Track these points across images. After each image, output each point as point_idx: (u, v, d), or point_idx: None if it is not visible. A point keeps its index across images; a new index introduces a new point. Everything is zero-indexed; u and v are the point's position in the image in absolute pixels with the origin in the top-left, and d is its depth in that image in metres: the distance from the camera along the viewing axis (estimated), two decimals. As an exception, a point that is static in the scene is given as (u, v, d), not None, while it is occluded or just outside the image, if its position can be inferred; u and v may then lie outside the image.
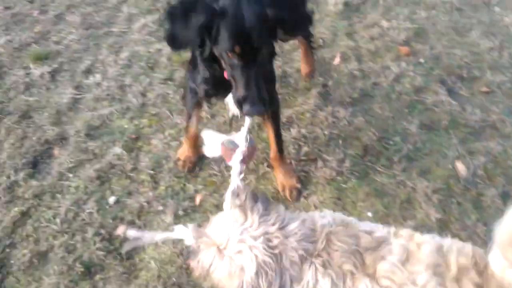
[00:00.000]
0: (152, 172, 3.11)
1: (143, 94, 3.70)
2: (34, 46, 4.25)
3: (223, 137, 2.21)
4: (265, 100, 2.10)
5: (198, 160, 3.13)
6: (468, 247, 1.66)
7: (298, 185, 2.90)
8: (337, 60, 3.91)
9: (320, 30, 4.24)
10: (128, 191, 3.02)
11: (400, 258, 1.58)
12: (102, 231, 2.78)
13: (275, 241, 1.57)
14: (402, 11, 4.51)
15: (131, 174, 3.11)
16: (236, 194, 1.75)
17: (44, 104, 3.67)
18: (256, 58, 2.05)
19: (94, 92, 3.73)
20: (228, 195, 1.85)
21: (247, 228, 1.59)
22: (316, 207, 2.87)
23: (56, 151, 3.29)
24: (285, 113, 3.45)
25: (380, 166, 3.12)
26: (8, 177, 3.12)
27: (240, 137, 2.16)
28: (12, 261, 2.69)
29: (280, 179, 2.91)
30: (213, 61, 2.22)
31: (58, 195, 3.00)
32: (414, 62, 3.92)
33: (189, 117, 2.93)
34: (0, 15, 4.70)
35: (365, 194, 2.96)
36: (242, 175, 2.06)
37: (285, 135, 3.28)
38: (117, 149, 3.26)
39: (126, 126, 3.45)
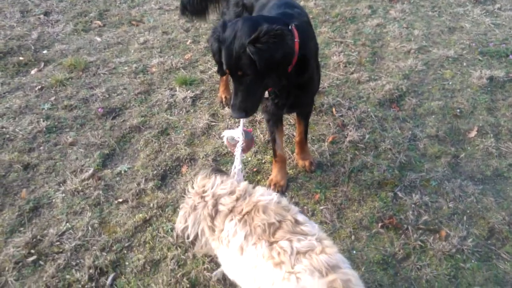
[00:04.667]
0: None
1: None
2: (182, 71, 4.64)
3: (228, 133, 2.90)
4: (247, 109, 2.59)
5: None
6: None
7: (313, 161, 3.55)
8: (473, 133, 3.74)
9: (458, 100, 4.12)
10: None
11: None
12: (213, 253, 2.89)
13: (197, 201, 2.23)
14: (552, 95, 4.23)
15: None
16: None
17: (182, 125, 3.97)
18: (241, 80, 2.52)
19: (227, 122, 3.96)
20: (233, 172, 2.66)
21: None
22: (428, 281, 2.73)
23: (184, 169, 3.53)
24: (409, 176, 3.37)
25: (505, 252, 2.90)
26: (139, 184, 3.39)
27: (238, 133, 2.80)
28: (127, 263, 2.89)
29: (301, 157, 3.54)
30: None
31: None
32: (559, 151, 3.63)
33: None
34: (158, 38, 5.22)
35: (484, 279, 2.75)
36: (244, 157, 2.80)
37: (405, 199, 3.20)
38: (239, 178, 3.40)
39: (249, 159, 3.61)
